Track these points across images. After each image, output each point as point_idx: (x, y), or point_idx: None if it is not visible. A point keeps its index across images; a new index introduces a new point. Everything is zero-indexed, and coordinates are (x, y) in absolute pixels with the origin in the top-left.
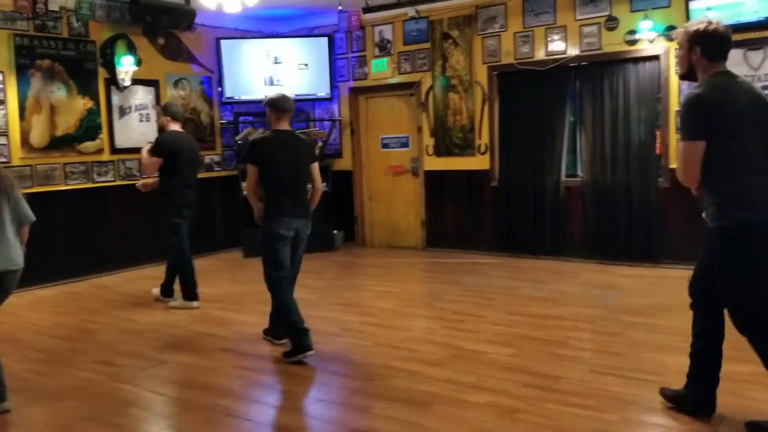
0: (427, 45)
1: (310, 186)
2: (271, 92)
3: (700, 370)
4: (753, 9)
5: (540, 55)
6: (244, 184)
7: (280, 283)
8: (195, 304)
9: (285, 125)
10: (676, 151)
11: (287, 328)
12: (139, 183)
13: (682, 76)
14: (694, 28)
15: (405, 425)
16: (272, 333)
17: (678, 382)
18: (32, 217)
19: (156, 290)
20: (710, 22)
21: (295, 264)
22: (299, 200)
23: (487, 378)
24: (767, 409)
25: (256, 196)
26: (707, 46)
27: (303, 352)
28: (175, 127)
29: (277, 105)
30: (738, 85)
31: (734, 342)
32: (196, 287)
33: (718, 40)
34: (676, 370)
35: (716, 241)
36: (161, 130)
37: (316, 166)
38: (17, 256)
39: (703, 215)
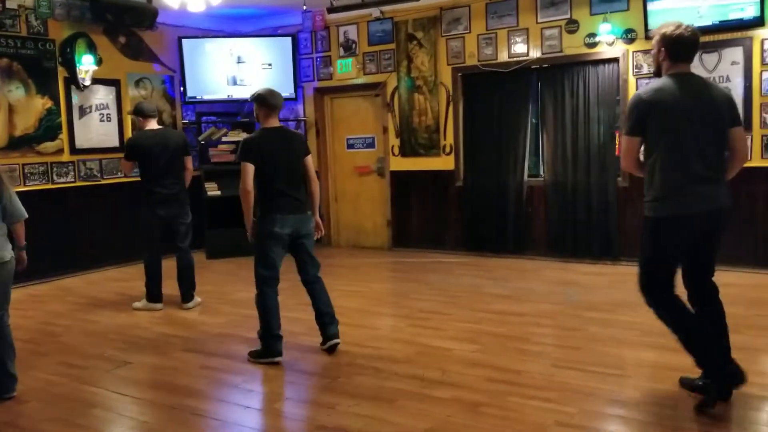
0: (392, 46)
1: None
2: (235, 92)
3: (715, 354)
4: (707, 13)
5: (503, 57)
6: (209, 185)
7: (268, 282)
8: (158, 306)
9: (275, 122)
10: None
11: (261, 330)
12: None
13: (654, 74)
14: (663, 30)
15: (370, 421)
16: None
17: (637, 374)
18: (25, 214)
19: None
20: (678, 26)
21: (307, 261)
22: (294, 197)
23: (452, 374)
24: None
25: (251, 199)
26: (670, 48)
27: (272, 357)
28: (150, 125)
29: (266, 101)
30: (689, 86)
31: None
32: (159, 288)
33: (680, 43)
34: (635, 363)
35: (647, 228)
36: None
37: (309, 159)
38: (5, 250)
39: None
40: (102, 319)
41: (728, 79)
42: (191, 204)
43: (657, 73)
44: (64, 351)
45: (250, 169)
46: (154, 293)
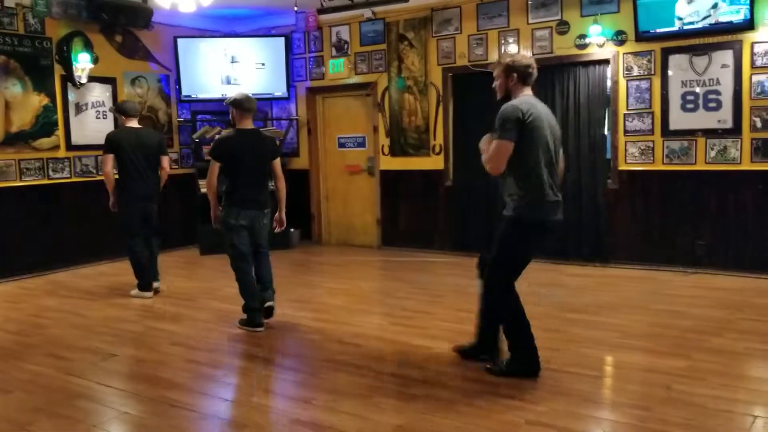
0: (383, 46)
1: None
2: (229, 91)
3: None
4: (697, 16)
5: (493, 57)
6: (202, 182)
7: (242, 269)
8: (147, 294)
9: (248, 124)
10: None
11: (245, 305)
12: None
13: (501, 100)
14: (509, 60)
15: (344, 416)
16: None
17: (612, 375)
18: None
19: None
20: (521, 56)
21: (261, 242)
22: (255, 194)
23: (430, 372)
24: (696, 401)
25: (215, 192)
26: (521, 74)
27: (253, 327)
28: (131, 123)
29: (242, 105)
30: (540, 104)
31: (671, 338)
32: (146, 278)
33: (527, 68)
34: (612, 364)
35: (509, 225)
36: None
37: (278, 162)
38: None
39: (506, 199)
40: (91, 313)
41: (718, 82)
42: (184, 200)
43: (504, 99)
44: (51, 343)
45: (215, 166)
46: (141, 283)
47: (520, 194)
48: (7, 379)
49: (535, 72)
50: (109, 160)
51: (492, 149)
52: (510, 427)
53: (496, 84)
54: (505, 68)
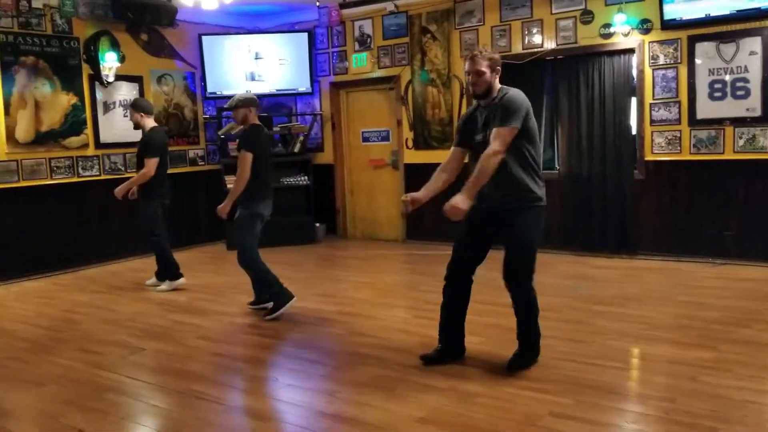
0: (406, 39)
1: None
2: (254, 87)
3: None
4: (725, 3)
5: (517, 48)
6: (228, 177)
7: (255, 248)
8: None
9: (257, 119)
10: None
11: (268, 289)
12: None
13: (482, 95)
14: (494, 56)
15: (367, 408)
16: (258, 300)
17: (638, 367)
18: None
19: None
20: (493, 49)
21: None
22: (272, 185)
23: (453, 364)
24: (722, 393)
25: (246, 184)
26: (499, 66)
27: (286, 303)
28: (151, 122)
29: (255, 102)
30: None
31: (697, 330)
32: (168, 270)
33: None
34: (637, 356)
35: (533, 216)
36: (136, 126)
37: None
38: None
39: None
40: (120, 308)
41: (746, 70)
42: (211, 196)
43: (485, 94)
44: (82, 338)
45: (249, 157)
46: (175, 271)
47: (536, 182)
48: (41, 372)
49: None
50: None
51: (505, 135)
52: (533, 419)
53: (478, 79)
54: (494, 62)
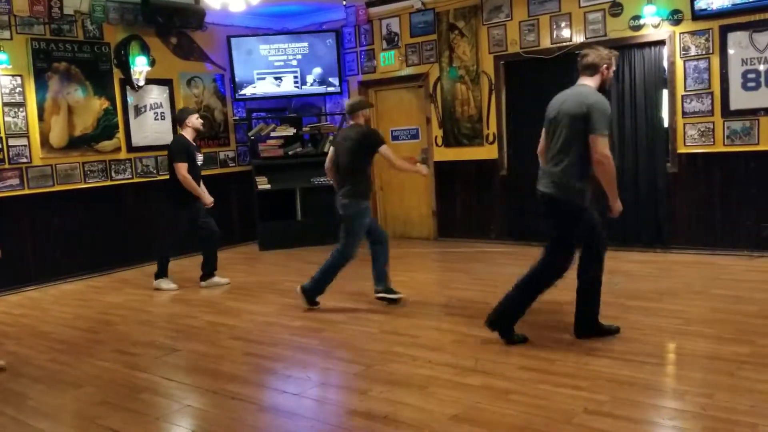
0: (434, 37)
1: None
2: (282, 88)
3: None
4: None
5: (546, 43)
6: (259, 178)
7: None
8: (202, 283)
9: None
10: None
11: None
12: None
13: (603, 89)
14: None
15: (399, 406)
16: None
17: (674, 363)
18: None
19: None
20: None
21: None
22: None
23: (486, 362)
24: (761, 388)
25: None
26: None
27: (394, 295)
28: (183, 131)
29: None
30: None
31: (734, 324)
32: (205, 270)
33: None
34: (673, 352)
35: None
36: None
37: None
38: None
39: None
40: (156, 309)
41: None
42: (243, 198)
43: (603, 88)
44: (119, 339)
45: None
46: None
47: (585, 181)
48: (78, 374)
49: (579, 62)
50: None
51: (604, 147)
52: (568, 416)
53: (608, 77)
54: (614, 59)
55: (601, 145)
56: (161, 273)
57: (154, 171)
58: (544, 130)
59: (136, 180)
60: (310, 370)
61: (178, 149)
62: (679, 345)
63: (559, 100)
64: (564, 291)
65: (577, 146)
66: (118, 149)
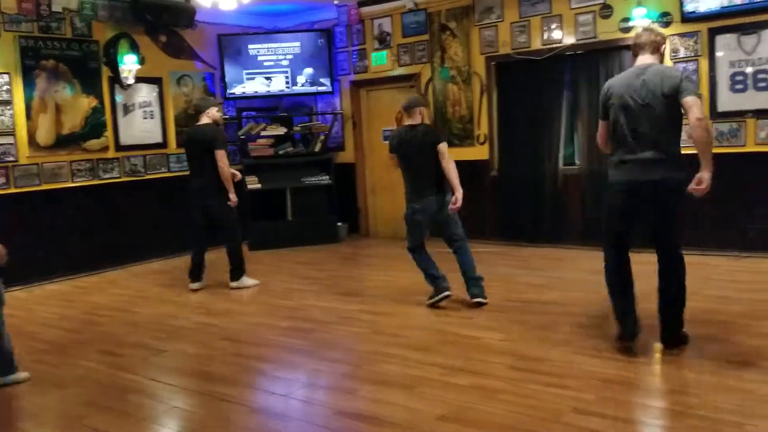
0: (426, 37)
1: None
2: (273, 87)
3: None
4: None
5: (537, 44)
6: (248, 178)
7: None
8: (193, 286)
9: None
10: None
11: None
12: None
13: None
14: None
15: (387, 406)
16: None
17: (661, 362)
18: None
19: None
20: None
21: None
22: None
23: (475, 361)
24: (746, 387)
25: None
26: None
27: (440, 293)
28: (201, 120)
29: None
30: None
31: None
32: (191, 273)
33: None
34: (660, 350)
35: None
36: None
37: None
38: None
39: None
40: (143, 310)
41: None
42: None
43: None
44: (104, 340)
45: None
46: (191, 274)
47: (679, 154)
48: (62, 375)
49: (637, 42)
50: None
51: (700, 109)
52: (556, 415)
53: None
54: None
55: (700, 107)
56: (240, 269)
57: (143, 170)
58: (610, 118)
59: (124, 179)
60: (299, 371)
61: (222, 138)
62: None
63: (627, 83)
64: (545, 290)
65: (676, 122)
66: (106, 148)
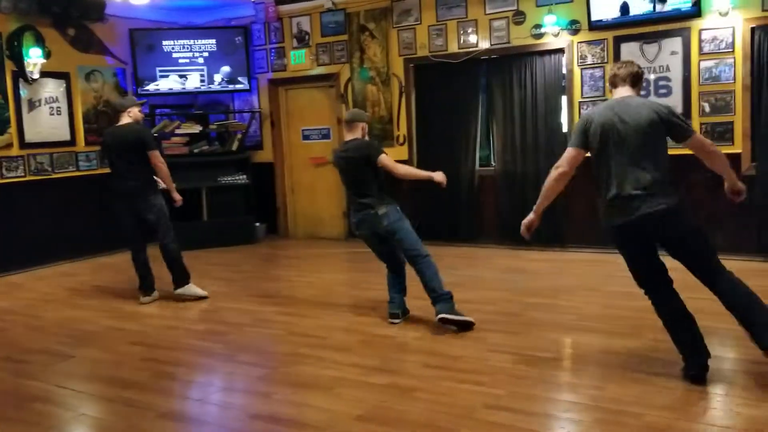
0: (345, 37)
1: None
2: (188, 84)
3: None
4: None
5: (453, 48)
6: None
7: None
8: (144, 299)
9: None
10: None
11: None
12: None
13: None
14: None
15: (305, 408)
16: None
17: (569, 357)
18: None
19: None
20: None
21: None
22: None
23: (391, 361)
24: (648, 380)
25: None
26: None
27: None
28: (121, 119)
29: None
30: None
31: (625, 319)
32: (143, 281)
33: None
34: (569, 346)
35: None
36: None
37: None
38: None
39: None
40: (48, 314)
41: (668, 69)
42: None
43: None
44: (6, 346)
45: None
46: (140, 285)
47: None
48: None
49: (617, 74)
50: None
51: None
52: (469, 411)
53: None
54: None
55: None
56: (184, 274)
57: (50, 169)
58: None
59: (29, 178)
60: (213, 375)
61: (151, 137)
62: (574, 340)
63: (614, 114)
64: (460, 289)
65: (665, 153)
66: (9, 145)
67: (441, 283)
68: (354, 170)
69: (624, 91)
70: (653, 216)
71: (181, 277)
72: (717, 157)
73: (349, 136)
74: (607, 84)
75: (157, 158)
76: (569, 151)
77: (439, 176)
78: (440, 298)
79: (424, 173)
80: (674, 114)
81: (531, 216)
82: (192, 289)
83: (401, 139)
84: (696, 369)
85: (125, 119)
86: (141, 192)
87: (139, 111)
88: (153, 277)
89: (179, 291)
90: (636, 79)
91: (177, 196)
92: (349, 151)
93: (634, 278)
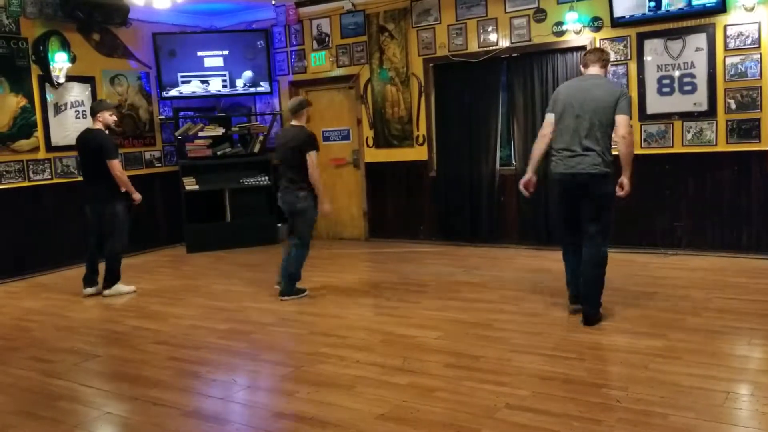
0: (364, 38)
1: None
2: (210, 87)
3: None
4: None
5: (473, 47)
6: (186, 179)
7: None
8: (87, 291)
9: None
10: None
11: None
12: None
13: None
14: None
15: (326, 407)
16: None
17: (592, 357)
18: None
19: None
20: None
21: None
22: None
23: (412, 360)
24: (672, 380)
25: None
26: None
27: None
28: (94, 124)
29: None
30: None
31: (649, 319)
32: (87, 277)
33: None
34: (592, 346)
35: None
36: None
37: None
38: None
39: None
40: (75, 314)
41: (693, 65)
42: (169, 199)
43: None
44: (35, 346)
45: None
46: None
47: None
48: None
49: (589, 57)
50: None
51: (629, 127)
52: (490, 411)
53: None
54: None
55: (628, 125)
56: (115, 277)
57: (75, 171)
58: (557, 114)
59: (56, 180)
60: (236, 374)
61: (111, 145)
62: (597, 340)
63: (578, 88)
64: (482, 289)
65: (612, 125)
66: (36, 149)
67: (299, 272)
68: (290, 155)
69: (594, 70)
70: (584, 174)
71: (112, 279)
72: (625, 146)
73: (294, 122)
74: (580, 66)
75: (114, 168)
76: (546, 117)
77: (325, 207)
78: (291, 278)
79: (321, 191)
80: (625, 96)
81: (527, 175)
82: (119, 288)
83: (420, 140)
84: (572, 303)
85: (97, 124)
86: (102, 197)
87: (110, 116)
88: (98, 273)
89: (108, 292)
90: (604, 63)
91: (137, 196)
92: (288, 141)
93: (556, 228)
